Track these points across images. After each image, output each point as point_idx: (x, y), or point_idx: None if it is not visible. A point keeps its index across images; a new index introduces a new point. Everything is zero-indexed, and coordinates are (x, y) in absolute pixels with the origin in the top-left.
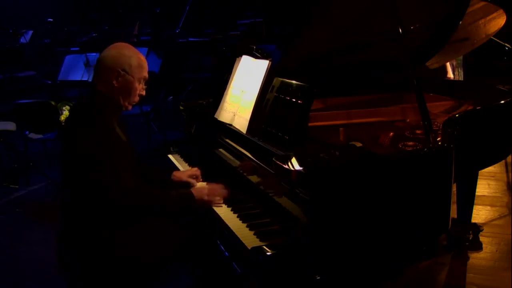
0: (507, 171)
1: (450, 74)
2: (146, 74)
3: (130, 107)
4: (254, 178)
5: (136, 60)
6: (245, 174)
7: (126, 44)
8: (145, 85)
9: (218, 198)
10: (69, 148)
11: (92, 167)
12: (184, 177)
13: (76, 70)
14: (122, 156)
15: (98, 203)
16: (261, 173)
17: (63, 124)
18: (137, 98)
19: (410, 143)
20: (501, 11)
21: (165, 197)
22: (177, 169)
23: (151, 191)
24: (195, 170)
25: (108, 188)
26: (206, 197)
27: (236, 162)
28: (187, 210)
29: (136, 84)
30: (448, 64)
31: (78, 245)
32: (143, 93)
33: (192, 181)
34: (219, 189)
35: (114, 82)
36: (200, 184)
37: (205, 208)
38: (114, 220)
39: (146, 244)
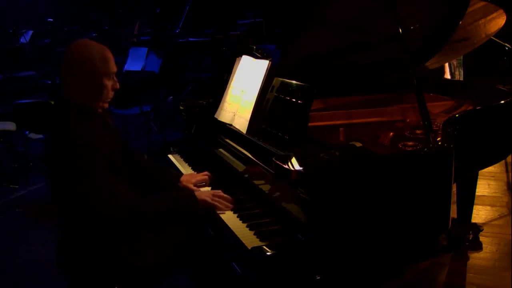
0: (507, 171)
1: (448, 75)
2: (113, 67)
3: (106, 105)
4: (254, 178)
5: (98, 56)
6: (246, 176)
7: (84, 42)
8: (116, 77)
9: (224, 204)
10: (52, 162)
11: (77, 181)
12: (191, 185)
13: None
14: (108, 165)
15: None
16: (261, 173)
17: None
18: (111, 94)
19: (410, 143)
20: (501, 11)
21: (166, 204)
22: (177, 168)
23: (147, 202)
24: (204, 175)
25: (101, 206)
26: (210, 200)
27: (236, 162)
28: (190, 214)
29: (105, 81)
30: (446, 64)
31: (78, 246)
32: (117, 86)
33: (197, 189)
34: (223, 195)
35: (83, 86)
36: (202, 188)
37: (208, 210)
38: (112, 224)
39: (146, 245)
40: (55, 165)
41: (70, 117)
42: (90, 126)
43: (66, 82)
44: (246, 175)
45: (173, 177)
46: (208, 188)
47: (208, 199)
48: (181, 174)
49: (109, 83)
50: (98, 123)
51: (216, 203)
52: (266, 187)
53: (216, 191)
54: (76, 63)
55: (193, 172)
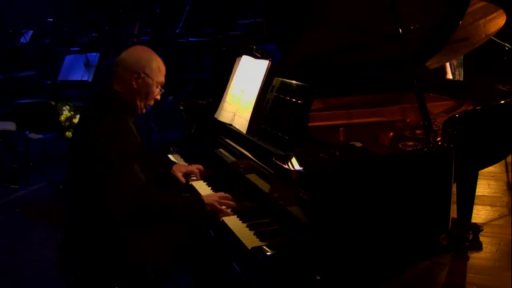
0: (507, 171)
1: (450, 75)
2: (163, 79)
3: (144, 111)
4: (254, 178)
5: (156, 64)
6: (243, 172)
7: (148, 48)
8: (162, 90)
9: (228, 208)
10: (85, 148)
11: (111, 166)
12: (179, 173)
13: (76, 70)
14: (137, 157)
15: (112, 205)
16: (261, 173)
17: (74, 123)
18: (152, 102)
19: (410, 143)
20: (501, 11)
21: (177, 202)
22: None
23: (164, 195)
24: (195, 168)
25: (125, 189)
26: (217, 205)
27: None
28: (196, 217)
29: (154, 88)
30: (447, 64)
31: (78, 245)
32: (159, 97)
33: (182, 179)
34: (228, 198)
35: (134, 83)
36: (206, 191)
37: (213, 214)
38: (117, 222)
39: (146, 245)
40: (91, 144)
41: (113, 107)
42: (129, 121)
43: (120, 76)
44: (239, 169)
45: (166, 164)
46: (209, 188)
47: (216, 204)
48: (174, 163)
49: (156, 91)
50: (133, 119)
51: (223, 207)
52: (266, 187)
53: (222, 194)
54: (137, 60)
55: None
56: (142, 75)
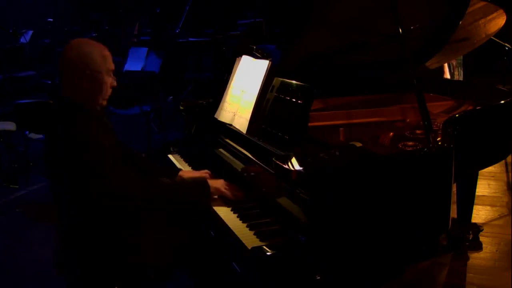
0: (507, 171)
1: (447, 74)
2: (112, 65)
3: (104, 103)
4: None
5: (97, 53)
6: (245, 175)
7: (83, 41)
8: (114, 75)
9: (234, 194)
10: (56, 163)
11: (91, 177)
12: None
13: None
14: (114, 157)
15: (103, 201)
16: (261, 173)
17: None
18: (110, 91)
19: (410, 143)
20: (501, 11)
21: (179, 188)
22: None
23: (159, 184)
24: (204, 173)
25: (116, 191)
26: (223, 189)
27: (236, 162)
28: (202, 198)
29: (106, 78)
30: (445, 64)
31: (78, 245)
32: (115, 84)
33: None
34: (234, 187)
35: (84, 84)
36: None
37: (209, 210)
38: (114, 221)
39: (146, 245)
40: (59, 164)
41: (72, 115)
42: (91, 124)
43: (66, 80)
44: (245, 174)
45: (172, 171)
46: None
47: (221, 187)
48: (179, 169)
49: (108, 80)
50: (97, 121)
51: (227, 192)
52: (266, 187)
53: (229, 183)
54: (77, 60)
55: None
56: (88, 72)
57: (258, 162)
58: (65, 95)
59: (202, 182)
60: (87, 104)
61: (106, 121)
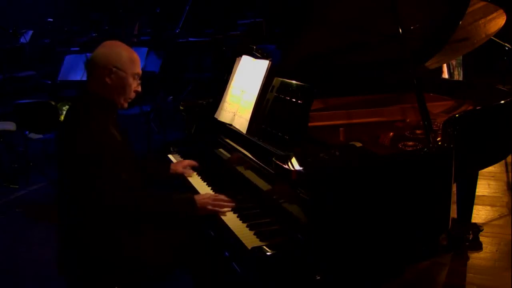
0: (507, 171)
1: (446, 74)
2: (139, 70)
3: (126, 105)
4: (254, 178)
5: (126, 56)
6: (238, 168)
7: (116, 42)
8: (139, 80)
9: (224, 208)
10: (65, 151)
11: (89, 170)
12: (180, 169)
13: (76, 70)
14: (118, 158)
15: (94, 206)
16: (261, 173)
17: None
18: (133, 95)
19: (410, 143)
20: (501, 11)
21: (165, 203)
22: None
23: (149, 197)
24: (190, 162)
25: (103, 193)
26: (210, 207)
27: (236, 162)
28: (186, 216)
29: (130, 80)
30: (444, 64)
31: (78, 246)
32: (139, 89)
33: (188, 171)
34: (224, 199)
35: (107, 80)
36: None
37: (209, 215)
38: (114, 221)
39: (146, 245)
40: (72, 154)
41: (90, 108)
42: (109, 120)
43: (91, 74)
44: (233, 164)
45: (164, 165)
46: (208, 188)
47: (209, 207)
48: (171, 161)
49: (133, 83)
50: (113, 119)
51: (217, 208)
52: (266, 187)
53: (217, 195)
54: (104, 55)
55: (193, 171)
56: (114, 69)
57: (258, 162)
58: (89, 89)
59: (188, 199)
60: (110, 100)
61: (119, 123)
